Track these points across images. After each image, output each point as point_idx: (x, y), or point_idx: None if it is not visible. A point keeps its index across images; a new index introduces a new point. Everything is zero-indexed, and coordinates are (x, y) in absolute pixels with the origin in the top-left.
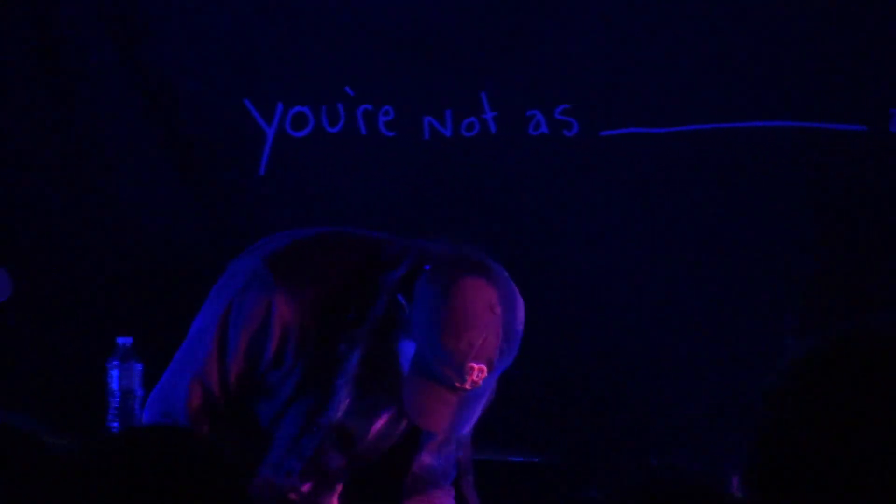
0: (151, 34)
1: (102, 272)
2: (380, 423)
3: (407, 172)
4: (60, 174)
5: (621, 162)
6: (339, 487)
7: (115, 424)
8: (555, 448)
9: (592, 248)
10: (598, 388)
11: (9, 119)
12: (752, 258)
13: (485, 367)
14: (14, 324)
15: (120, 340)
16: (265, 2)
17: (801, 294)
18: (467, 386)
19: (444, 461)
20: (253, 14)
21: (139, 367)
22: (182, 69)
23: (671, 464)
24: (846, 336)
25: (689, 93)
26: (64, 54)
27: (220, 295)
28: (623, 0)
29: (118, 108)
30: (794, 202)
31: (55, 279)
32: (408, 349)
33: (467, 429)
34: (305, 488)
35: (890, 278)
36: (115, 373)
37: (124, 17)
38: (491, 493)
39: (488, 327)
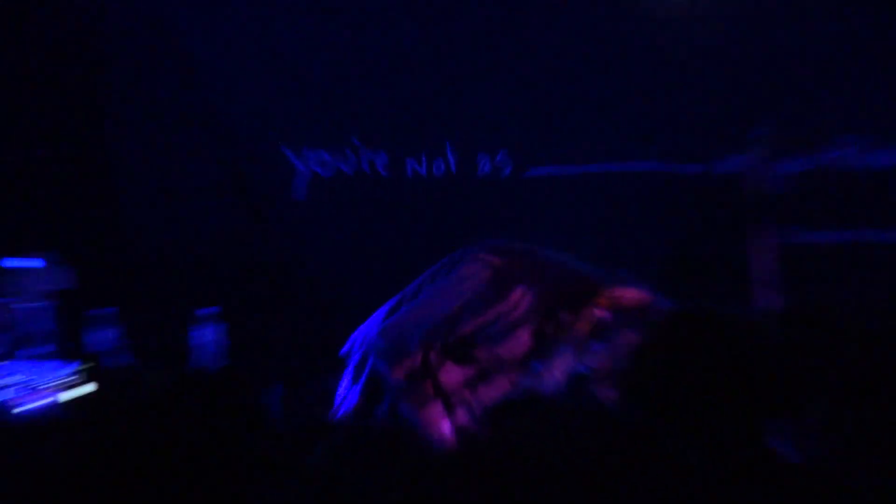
0: (231, 101)
1: (184, 260)
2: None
3: (398, 202)
4: (158, 192)
5: (540, 192)
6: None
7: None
8: None
9: None
10: None
11: (128, 155)
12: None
13: None
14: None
15: (198, 312)
16: (292, 76)
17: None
18: None
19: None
20: (288, 82)
21: (212, 331)
22: (241, 125)
23: None
24: (687, 311)
25: (584, 146)
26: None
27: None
28: (544, 78)
29: (203, 153)
30: (658, 223)
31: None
32: None
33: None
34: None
35: (716, 281)
36: (195, 334)
37: (204, 93)
38: None
39: None
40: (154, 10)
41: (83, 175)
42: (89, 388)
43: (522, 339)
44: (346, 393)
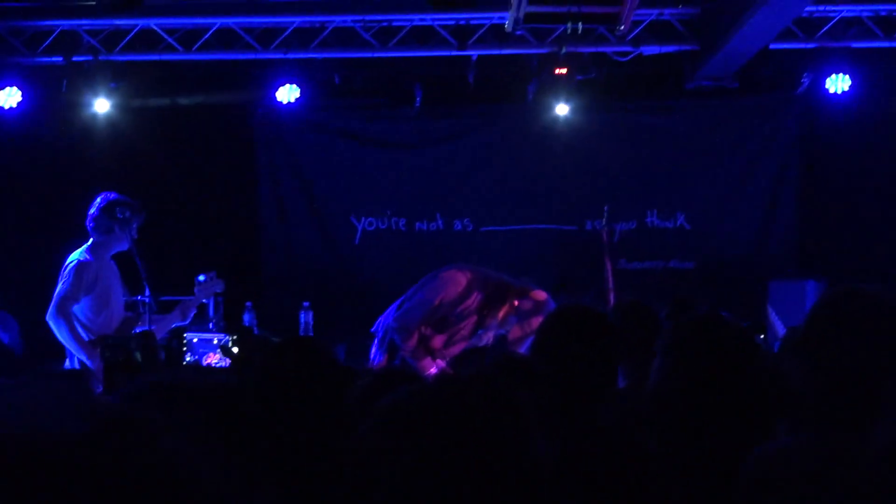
0: (316, 181)
1: (294, 279)
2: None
3: (411, 244)
4: (274, 229)
5: (489, 245)
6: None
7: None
8: None
9: None
10: None
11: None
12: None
13: None
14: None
15: (305, 303)
16: (355, 179)
17: None
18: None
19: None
20: (354, 182)
21: (308, 315)
22: (322, 199)
23: None
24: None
25: (513, 214)
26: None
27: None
28: (487, 177)
29: (296, 216)
30: (551, 257)
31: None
32: None
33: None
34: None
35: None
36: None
37: (303, 176)
38: None
39: None
40: (277, 130)
41: (237, 227)
42: (236, 350)
43: (473, 320)
44: (375, 353)
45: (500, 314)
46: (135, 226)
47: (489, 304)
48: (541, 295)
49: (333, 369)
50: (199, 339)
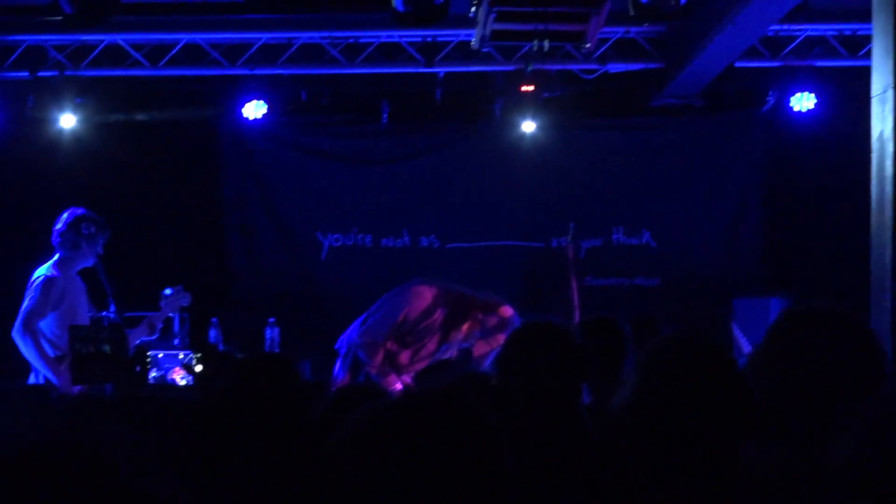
0: (282, 197)
1: (260, 292)
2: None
3: (377, 261)
4: (240, 245)
5: (456, 262)
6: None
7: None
8: None
9: None
10: None
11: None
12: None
13: None
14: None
15: (271, 319)
16: (322, 195)
17: None
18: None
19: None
20: (320, 198)
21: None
22: (288, 215)
23: None
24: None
25: (477, 232)
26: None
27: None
28: (456, 196)
29: (263, 232)
30: (517, 274)
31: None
32: None
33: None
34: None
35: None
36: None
37: (269, 192)
38: None
39: None
40: (244, 146)
41: (203, 243)
42: (200, 367)
43: (438, 335)
44: (339, 370)
45: (464, 328)
46: (100, 242)
47: (453, 318)
48: (506, 310)
49: (299, 386)
50: (165, 355)
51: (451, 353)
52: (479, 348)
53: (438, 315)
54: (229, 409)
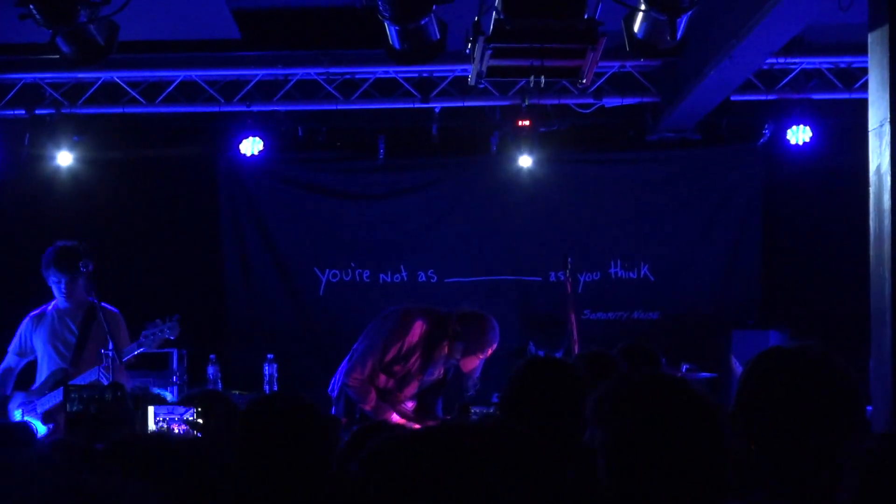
0: (280, 233)
1: (257, 326)
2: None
3: (374, 296)
4: (238, 281)
5: (454, 296)
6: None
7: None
8: None
9: None
10: None
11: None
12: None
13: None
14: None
15: (269, 356)
16: (319, 230)
17: None
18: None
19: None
20: (317, 233)
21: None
22: (286, 251)
23: None
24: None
25: (474, 267)
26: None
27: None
28: (451, 233)
29: (261, 268)
30: (517, 305)
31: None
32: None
33: (478, 373)
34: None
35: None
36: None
37: (266, 228)
38: None
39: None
40: (241, 182)
41: (201, 279)
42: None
43: (419, 352)
44: (335, 409)
45: (445, 345)
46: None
47: (431, 337)
48: (479, 316)
49: (321, 426)
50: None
51: (439, 372)
52: (467, 363)
53: (415, 333)
54: (250, 454)
